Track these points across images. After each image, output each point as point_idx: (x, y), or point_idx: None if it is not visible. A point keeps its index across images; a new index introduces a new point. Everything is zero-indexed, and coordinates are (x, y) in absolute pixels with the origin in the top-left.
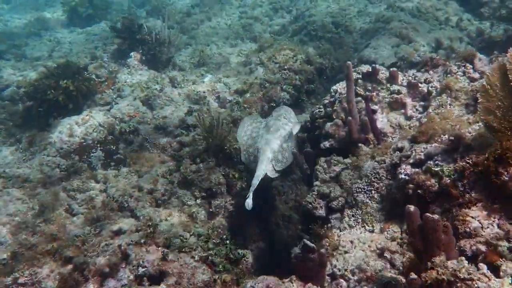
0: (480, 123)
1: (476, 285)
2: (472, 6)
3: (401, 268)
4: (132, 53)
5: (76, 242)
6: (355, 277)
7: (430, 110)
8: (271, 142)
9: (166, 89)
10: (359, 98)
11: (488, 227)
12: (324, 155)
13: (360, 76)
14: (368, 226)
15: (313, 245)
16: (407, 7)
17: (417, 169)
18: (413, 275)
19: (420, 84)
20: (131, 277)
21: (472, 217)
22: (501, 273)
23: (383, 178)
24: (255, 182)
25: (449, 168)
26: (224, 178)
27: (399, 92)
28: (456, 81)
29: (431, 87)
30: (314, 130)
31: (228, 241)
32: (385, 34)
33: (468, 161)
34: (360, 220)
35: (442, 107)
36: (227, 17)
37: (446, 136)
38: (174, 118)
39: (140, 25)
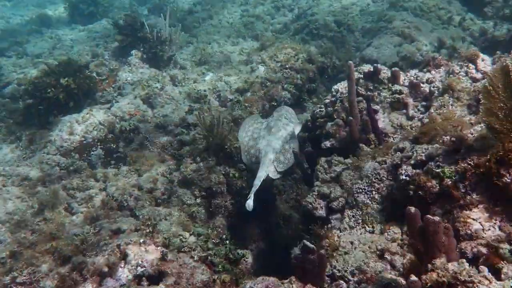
0: (482, 124)
1: None
2: (475, 6)
3: (401, 269)
4: (133, 51)
5: (75, 241)
6: (355, 278)
7: (432, 110)
8: (272, 143)
9: (167, 87)
10: (361, 98)
11: (489, 229)
12: (325, 155)
13: (362, 75)
14: (368, 227)
15: (312, 246)
16: (410, 6)
17: (418, 170)
18: (413, 277)
19: (422, 84)
20: (130, 277)
21: (473, 219)
22: (502, 276)
23: (384, 178)
24: (257, 183)
25: (451, 170)
26: (224, 177)
27: (400, 92)
28: (458, 82)
29: (433, 87)
30: (315, 129)
31: (227, 241)
32: (388, 33)
33: (469, 162)
34: (360, 221)
35: (444, 107)
36: (229, 15)
37: (448, 137)
38: (174, 117)
39: (142, 23)
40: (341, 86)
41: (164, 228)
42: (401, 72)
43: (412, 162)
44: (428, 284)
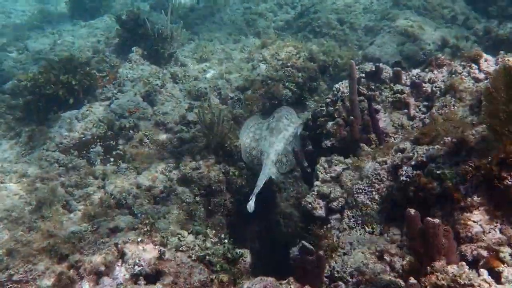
0: (484, 126)
1: None
2: (480, 5)
3: (400, 271)
4: (134, 48)
5: (73, 239)
6: (354, 280)
7: (433, 110)
8: (274, 145)
9: (167, 84)
10: (362, 97)
11: (490, 232)
12: (325, 154)
13: (363, 74)
14: (368, 227)
15: (311, 247)
16: (414, 5)
17: (418, 171)
18: (412, 280)
19: (424, 84)
20: (127, 276)
21: (474, 222)
22: (502, 279)
23: (384, 179)
24: (259, 184)
25: (451, 171)
26: (224, 176)
27: (402, 92)
28: (460, 82)
29: (435, 87)
30: (316, 128)
31: (226, 240)
32: (391, 31)
33: (470, 164)
34: (360, 222)
35: (446, 107)
36: (231, 13)
37: (449, 138)
38: (174, 114)
39: (144, 20)
40: (343, 85)
41: (162, 226)
42: (403, 72)
43: (413, 163)
44: (427, 287)
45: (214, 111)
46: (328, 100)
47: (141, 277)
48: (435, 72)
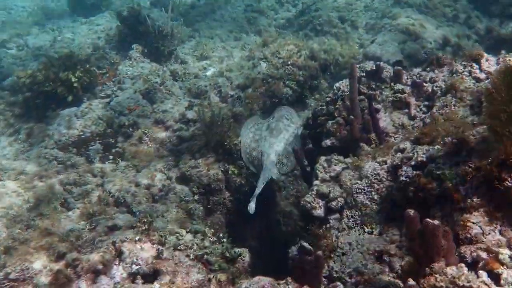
0: (484, 126)
1: None
2: (482, 4)
3: (399, 272)
4: (134, 45)
5: (70, 237)
6: (352, 280)
7: (434, 110)
8: (274, 145)
9: (167, 82)
10: (362, 97)
11: (489, 234)
12: (325, 154)
13: (364, 74)
14: (367, 228)
15: (310, 247)
16: (415, 3)
17: (418, 172)
18: (411, 281)
19: (424, 84)
20: (125, 275)
21: (474, 223)
22: (501, 282)
23: (384, 179)
24: (260, 185)
25: (451, 172)
26: (223, 174)
27: (403, 91)
28: (461, 81)
29: (436, 86)
30: (316, 127)
31: (224, 239)
32: (392, 30)
33: (471, 165)
34: (359, 222)
35: (447, 107)
36: (232, 10)
37: (449, 138)
38: (174, 112)
39: (144, 17)
40: (343, 84)
41: (161, 225)
42: (404, 71)
43: (413, 163)
44: None
45: (214, 109)
46: (329, 99)
47: (138, 276)
48: (436, 71)
